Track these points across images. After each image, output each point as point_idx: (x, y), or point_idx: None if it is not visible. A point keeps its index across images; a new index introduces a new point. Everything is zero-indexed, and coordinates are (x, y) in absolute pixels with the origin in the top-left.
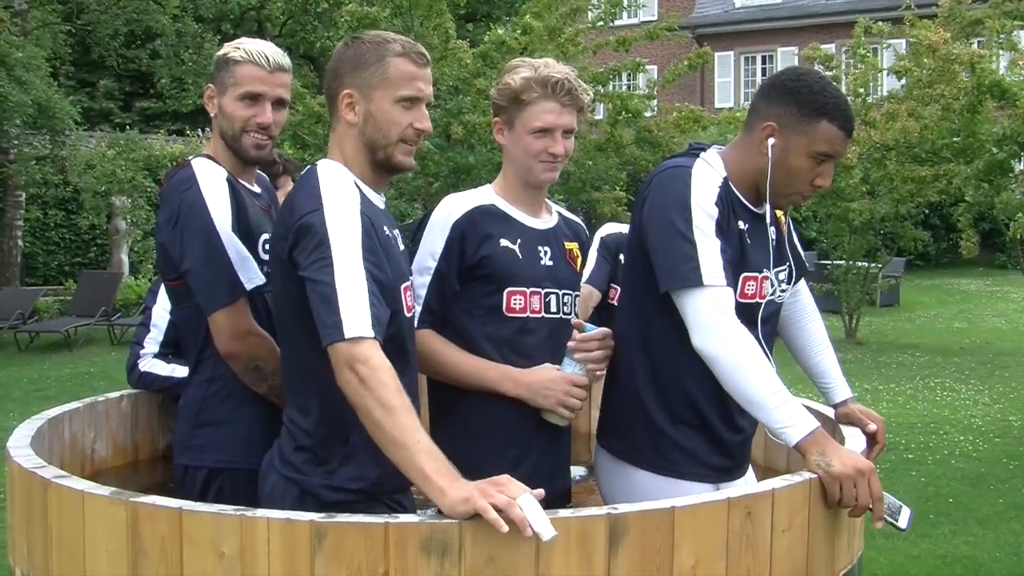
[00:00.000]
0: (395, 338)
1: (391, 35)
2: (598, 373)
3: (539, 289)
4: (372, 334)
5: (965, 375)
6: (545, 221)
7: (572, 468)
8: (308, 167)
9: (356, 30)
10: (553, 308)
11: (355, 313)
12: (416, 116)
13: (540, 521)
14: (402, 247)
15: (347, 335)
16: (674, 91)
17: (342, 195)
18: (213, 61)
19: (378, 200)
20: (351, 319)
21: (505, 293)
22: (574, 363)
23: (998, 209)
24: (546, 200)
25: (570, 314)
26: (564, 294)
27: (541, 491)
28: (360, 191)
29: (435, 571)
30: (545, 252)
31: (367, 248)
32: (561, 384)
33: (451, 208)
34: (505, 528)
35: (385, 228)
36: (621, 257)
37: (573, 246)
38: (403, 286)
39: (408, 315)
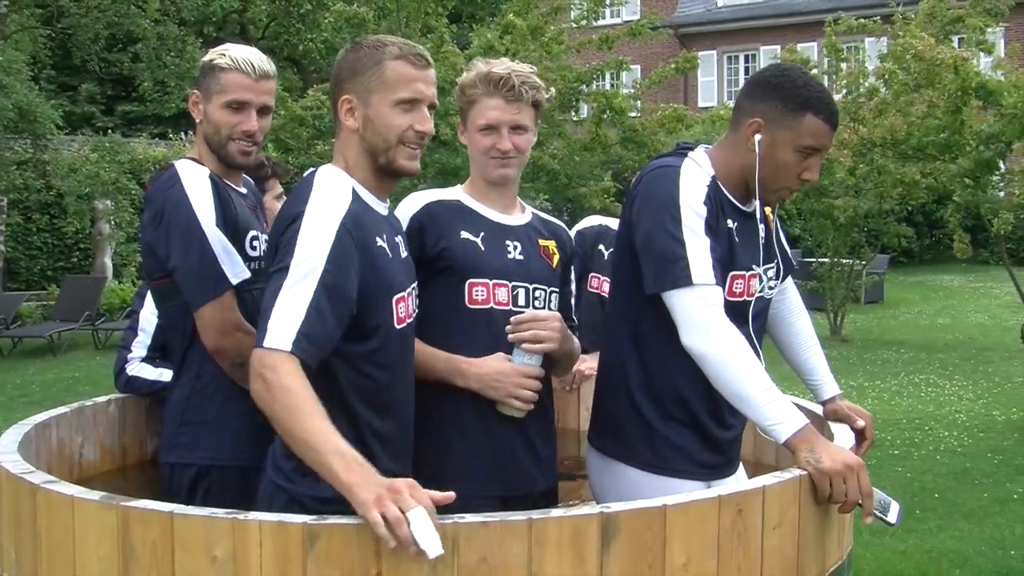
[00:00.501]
0: (382, 350)
1: (391, 38)
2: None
3: (505, 281)
4: (290, 348)
5: (949, 371)
6: (515, 218)
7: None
8: (308, 171)
9: (341, 31)
10: (522, 301)
11: (282, 325)
12: (416, 118)
13: (426, 538)
14: (404, 254)
15: (265, 344)
16: (657, 91)
17: (326, 204)
18: (198, 65)
19: (380, 207)
20: (276, 329)
21: (467, 285)
22: (525, 353)
23: (984, 209)
24: (520, 200)
25: (542, 309)
26: (536, 288)
27: (450, 494)
28: (359, 198)
29: (428, 571)
30: (514, 247)
31: (334, 261)
32: (511, 376)
33: (411, 204)
34: (392, 544)
35: (379, 238)
36: (601, 247)
37: (549, 243)
38: (396, 297)
39: (400, 326)
